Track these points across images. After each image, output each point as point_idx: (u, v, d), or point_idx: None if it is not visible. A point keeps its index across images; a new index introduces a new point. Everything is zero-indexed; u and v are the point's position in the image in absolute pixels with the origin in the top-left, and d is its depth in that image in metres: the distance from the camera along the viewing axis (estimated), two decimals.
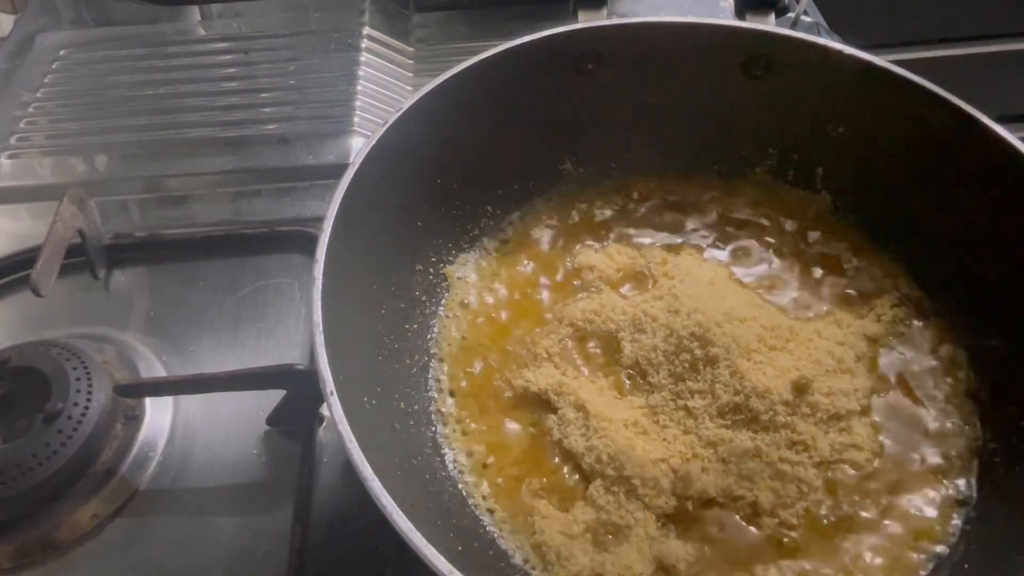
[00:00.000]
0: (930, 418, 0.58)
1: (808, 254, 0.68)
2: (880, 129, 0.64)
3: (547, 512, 0.54)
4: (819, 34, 0.84)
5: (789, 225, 0.69)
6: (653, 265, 0.66)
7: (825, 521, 0.54)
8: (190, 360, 0.67)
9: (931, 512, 0.54)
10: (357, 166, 0.56)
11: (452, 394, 0.61)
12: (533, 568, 0.53)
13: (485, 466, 0.57)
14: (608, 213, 0.71)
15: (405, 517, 0.41)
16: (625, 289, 0.65)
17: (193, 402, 0.64)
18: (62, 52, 0.95)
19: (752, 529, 0.53)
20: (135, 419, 0.63)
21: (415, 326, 0.63)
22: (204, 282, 0.73)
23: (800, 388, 0.56)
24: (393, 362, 0.59)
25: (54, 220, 0.66)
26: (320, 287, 0.50)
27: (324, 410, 0.61)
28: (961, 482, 0.55)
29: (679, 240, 0.69)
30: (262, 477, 0.60)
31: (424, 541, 0.41)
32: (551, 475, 0.57)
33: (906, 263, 0.66)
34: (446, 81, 0.61)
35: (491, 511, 0.55)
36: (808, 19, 0.91)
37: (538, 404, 0.60)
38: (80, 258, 0.71)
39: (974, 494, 0.55)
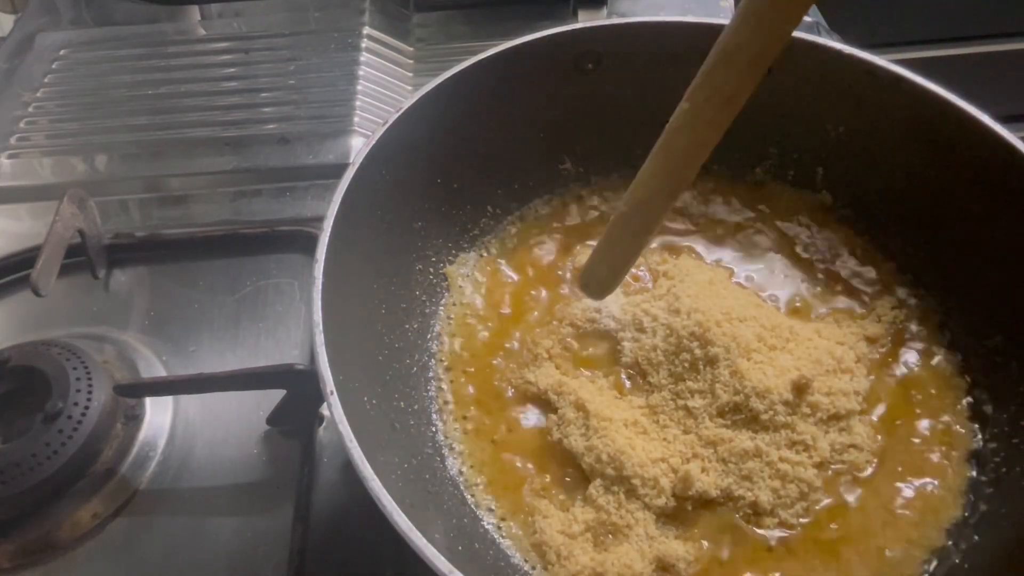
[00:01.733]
0: (930, 418, 0.58)
1: (808, 254, 0.68)
2: (880, 129, 0.64)
3: (547, 511, 0.54)
4: (819, 34, 0.83)
5: (789, 225, 0.69)
6: (653, 265, 0.66)
7: (825, 521, 0.54)
8: (190, 360, 0.67)
9: (930, 512, 0.54)
10: (357, 166, 0.56)
11: (452, 394, 0.61)
12: (533, 568, 0.53)
13: (485, 466, 0.57)
14: (608, 213, 0.71)
15: (405, 517, 0.41)
16: (625, 289, 0.65)
17: (193, 402, 0.64)
18: (62, 52, 0.95)
19: (752, 529, 0.53)
20: (135, 419, 0.63)
21: (415, 326, 0.63)
22: (204, 282, 0.73)
23: (800, 388, 0.56)
24: (393, 362, 0.59)
25: (54, 220, 0.66)
26: (320, 287, 0.50)
27: (324, 410, 0.61)
28: (961, 482, 0.55)
29: (679, 240, 0.69)
30: (262, 477, 0.60)
31: (424, 541, 0.41)
32: (551, 475, 0.57)
33: (906, 263, 0.66)
34: (446, 81, 0.61)
35: (491, 510, 0.56)
36: (808, 19, 0.91)
37: (538, 404, 0.60)
38: (80, 258, 0.71)
39: (974, 494, 0.55)
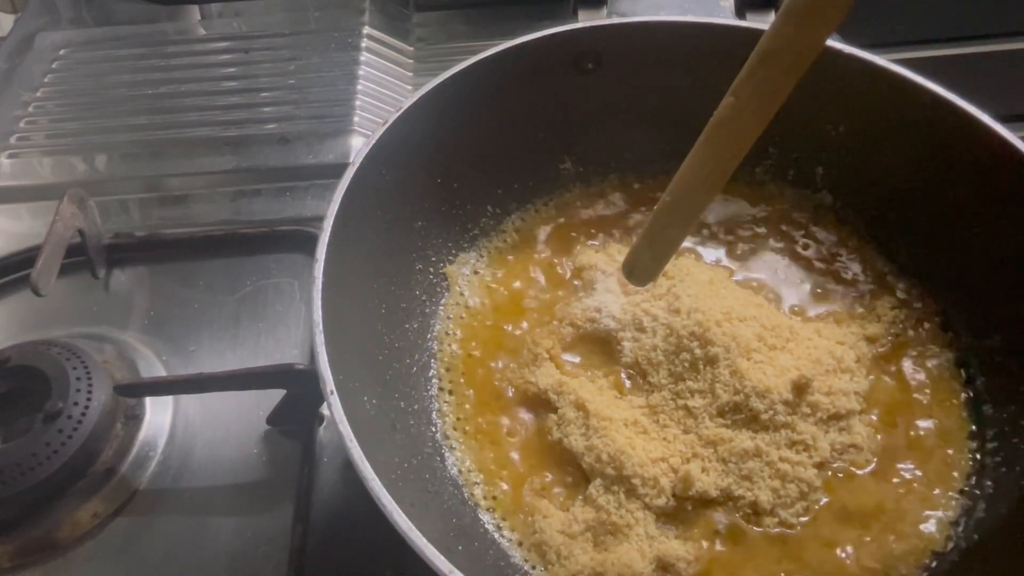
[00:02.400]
0: (929, 418, 0.58)
1: (808, 254, 0.68)
2: (880, 129, 0.64)
3: (547, 511, 0.54)
4: None
5: (789, 225, 0.70)
6: None
7: (825, 521, 0.54)
8: (190, 360, 0.67)
9: (930, 512, 0.54)
10: (357, 166, 0.56)
11: (452, 393, 0.61)
12: (533, 567, 0.53)
13: (485, 465, 0.57)
14: (608, 213, 0.71)
15: (405, 517, 0.41)
16: (625, 289, 0.65)
17: (193, 402, 0.64)
18: (62, 52, 0.96)
19: (752, 529, 0.53)
20: (135, 419, 0.63)
21: (415, 325, 0.63)
22: (204, 282, 0.73)
23: (800, 388, 0.56)
24: (393, 361, 0.59)
25: (54, 220, 0.66)
26: (320, 286, 0.50)
27: (324, 410, 0.62)
28: (961, 482, 0.55)
29: None
30: (262, 477, 0.60)
31: (424, 541, 0.41)
32: (551, 475, 0.57)
33: (906, 263, 0.66)
34: (446, 80, 0.61)
35: (491, 510, 0.56)
36: None
37: (538, 403, 0.60)
38: (80, 258, 0.71)
39: (974, 494, 0.55)
